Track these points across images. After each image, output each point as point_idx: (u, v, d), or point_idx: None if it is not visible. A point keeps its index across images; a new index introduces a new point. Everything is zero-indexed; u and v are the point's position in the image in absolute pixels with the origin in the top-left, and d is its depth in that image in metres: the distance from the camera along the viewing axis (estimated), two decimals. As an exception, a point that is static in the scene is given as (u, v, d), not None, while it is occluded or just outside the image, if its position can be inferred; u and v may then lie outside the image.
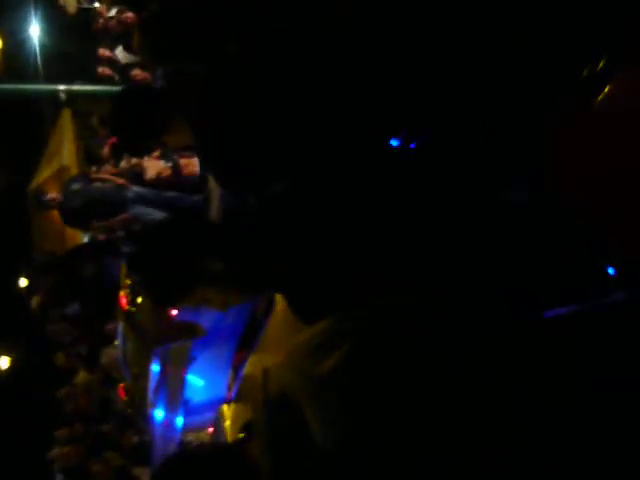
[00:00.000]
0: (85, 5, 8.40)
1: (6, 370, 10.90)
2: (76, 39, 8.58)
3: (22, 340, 9.75)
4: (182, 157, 3.98)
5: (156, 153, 4.20)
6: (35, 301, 6.14)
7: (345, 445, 1.47)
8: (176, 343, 3.43)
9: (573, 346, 1.51)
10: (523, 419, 1.41)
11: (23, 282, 9.20)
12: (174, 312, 3.35)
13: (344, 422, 1.49)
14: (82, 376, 6.48)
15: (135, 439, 5.51)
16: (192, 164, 3.57)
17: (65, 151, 7.99)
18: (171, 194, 5.59)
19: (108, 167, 5.86)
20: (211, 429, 4.08)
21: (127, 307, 3.70)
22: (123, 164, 5.15)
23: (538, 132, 1.81)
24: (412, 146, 2.10)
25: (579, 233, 1.76)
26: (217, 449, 1.95)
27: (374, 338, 1.59)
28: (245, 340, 3.56)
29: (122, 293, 3.72)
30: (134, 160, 4.99)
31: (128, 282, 3.65)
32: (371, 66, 1.94)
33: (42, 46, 9.55)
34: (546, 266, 1.79)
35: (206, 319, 3.41)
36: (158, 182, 4.65)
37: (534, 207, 1.85)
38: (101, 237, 5.93)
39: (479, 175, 1.92)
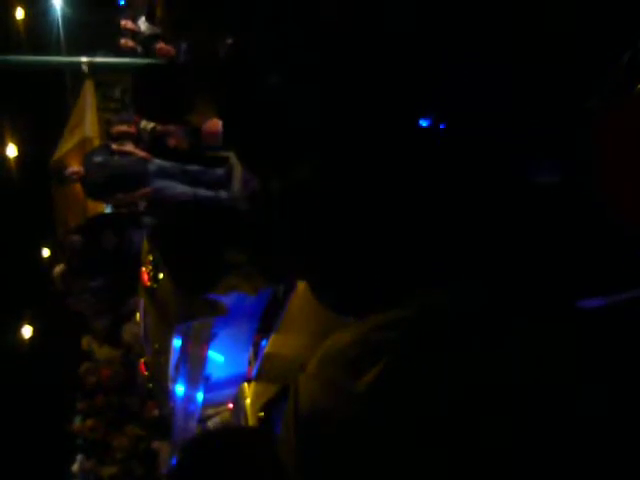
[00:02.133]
0: (108, -25, 8.34)
1: (29, 339, 11.02)
2: (99, 9, 8.53)
3: (44, 311, 9.84)
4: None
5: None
6: (56, 273, 6.16)
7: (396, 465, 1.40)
8: (197, 320, 3.42)
9: (610, 338, 1.45)
10: (594, 415, 1.35)
11: (46, 253, 9.26)
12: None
13: (387, 448, 1.42)
14: (104, 350, 6.52)
15: (155, 412, 5.55)
16: (214, 124, 3.50)
17: (88, 122, 7.97)
18: (193, 168, 5.57)
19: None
20: (231, 405, 4.09)
21: (149, 283, 3.69)
22: (143, 125, 5.12)
23: (574, 115, 1.75)
24: (442, 127, 2.04)
25: (611, 221, 1.71)
26: (241, 435, 1.92)
27: (416, 347, 1.51)
28: (266, 319, 3.55)
29: (144, 269, 3.71)
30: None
31: (150, 258, 3.64)
32: (402, 44, 1.89)
33: (64, 16, 9.51)
34: (578, 255, 1.74)
35: (228, 298, 3.40)
36: (180, 148, 4.63)
37: (566, 192, 1.80)
38: (123, 210, 5.93)
39: (510, 158, 1.86)
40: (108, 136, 5.97)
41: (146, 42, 6.38)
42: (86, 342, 6.92)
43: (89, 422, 7.18)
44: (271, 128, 2.14)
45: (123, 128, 5.65)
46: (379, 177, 1.90)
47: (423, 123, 2.04)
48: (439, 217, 1.83)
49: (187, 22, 2.71)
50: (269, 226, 2.33)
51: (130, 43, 6.60)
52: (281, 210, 2.12)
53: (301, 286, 3.07)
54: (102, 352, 6.52)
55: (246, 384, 3.62)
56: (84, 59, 7.37)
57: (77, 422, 7.48)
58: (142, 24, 6.68)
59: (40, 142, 8.89)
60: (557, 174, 1.83)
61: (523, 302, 1.59)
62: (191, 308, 3.32)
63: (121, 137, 5.55)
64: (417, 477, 1.41)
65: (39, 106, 10.16)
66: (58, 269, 6.16)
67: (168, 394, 4.09)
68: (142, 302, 4.01)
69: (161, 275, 3.65)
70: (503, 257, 1.75)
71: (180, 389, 4.02)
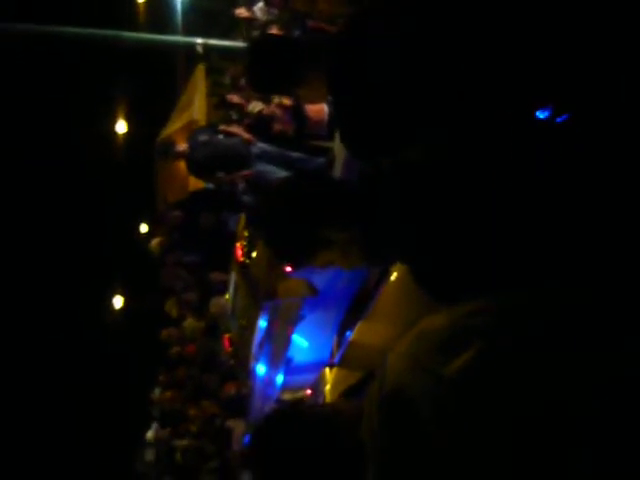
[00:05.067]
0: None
1: (119, 309, 11.39)
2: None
3: (137, 283, 10.13)
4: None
5: (285, 101, 4.17)
6: (154, 243, 6.32)
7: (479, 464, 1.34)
8: (286, 300, 3.42)
9: None
10: None
11: (144, 228, 9.53)
12: (288, 269, 3.33)
13: (476, 430, 1.37)
14: (190, 322, 6.64)
15: (233, 391, 5.61)
16: (320, 110, 3.48)
17: (196, 106, 8.13)
18: (295, 155, 5.59)
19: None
20: (309, 391, 4.08)
21: (242, 259, 3.72)
22: (251, 107, 5.18)
23: None
24: (559, 120, 1.95)
25: None
26: (321, 412, 1.90)
27: (514, 337, 1.44)
28: (355, 306, 3.51)
29: (238, 245, 3.74)
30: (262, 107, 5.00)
31: (245, 234, 3.67)
32: (524, 25, 1.81)
33: (184, 2, 9.73)
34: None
35: (319, 280, 3.38)
36: (283, 135, 4.65)
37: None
38: (223, 190, 6.02)
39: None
40: (220, 103, 6.04)
41: (262, 28, 6.44)
42: (170, 305, 7.04)
43: (168, 393, 7.34)
44: (384, 105, 2.09)
45: (236, 99, 5.72)
46: (492, 165, 1.84)
47: (540, 114, 1.96)
48: (554, 209, 1.75)
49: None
50: (375, 206, 2.29)
51: (245, 13, 6.65)
52: (391, 190, 2.08)
53: (394, 276, 3.02)
54: (189, 324, 6.65)
55: (328, 370, 3.60)
56: (199, 40, 7.53)
57: (157, 393, 7.65)
58: (258, 10, 6.76)
59: (148, 121, 9.15)
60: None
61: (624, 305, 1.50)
62: (281, 286, 3.32)
63: (232, 107, 5.61)
64: (497, 473, 1.35)
65: (150, 86, 10.47)
66: (155, 242, 6.31)
67: (249, 372, 4.12)
68: (233, 277, 4.05)
69: (255, 252, 3.68)
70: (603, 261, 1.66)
71: (261, 369, 4.04)
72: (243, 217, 3.74)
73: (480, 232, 1.85)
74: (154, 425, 8.16)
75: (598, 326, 1.43)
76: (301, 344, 3.94)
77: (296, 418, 1.67)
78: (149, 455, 8.95)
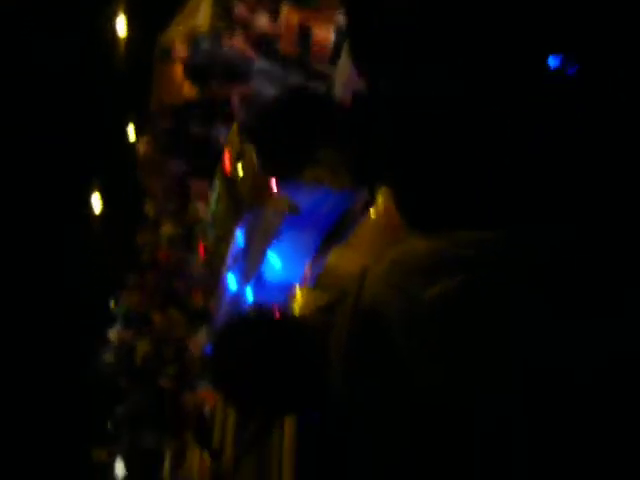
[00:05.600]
0: None
1: (97, 209, 11.29)
2: None
3: (116, 185, 10.05)
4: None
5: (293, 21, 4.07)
6: (141, 147, 6.25)
7: (445, 385, 1.36)
8: (267, 215, 3.41)
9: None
10: None
11: (131, 131, 9.40)
12: (274, 184, 3.31)
13: (445, 360, 1.38)
14: (167, 228, 6.63)
15: (201, 302, 5.64)
16: (327, 38, 3.40)
17: (201, 13, 7.92)
18: (297, 78, 5.51)
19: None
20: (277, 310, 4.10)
21: (228, 169, 3.69)
22: (256, 22, 5.06)
23: None
24: (571, 71, 1.92)
25: None
26: (288, 318, 1.91)
27: (498, 275, 1.44)
28: (334, 233, 3.51)
29: (226, 153, 3.70)
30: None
31: (235, 144, 3.63)
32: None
33: None
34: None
35: (304, 200, 3.36)
36: (286, 56, 4.57)
37: None
38: (218, 100, 5.92)
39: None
40: (226, 13, 5.90)
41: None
42: (148, 208, 7.02)
43: (135, 296, 7.38)
44: (393, 28, 2.05)
45: (242, 10, 5.58)
46: (496, 101, 1.82)
47: (552, 62, 1.92)
48: (556, 150, 1.74)
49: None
50: (369, 129, 2.27)
51: None
52: (387, 116, 2.05)
53: (380, 207, 3.02)
54: (165, 229, 6.63)
55: (298, 290, 3.61)
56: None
57: (124, 293, 7.69)
58: None
59: (149, 24, 8.93)
60: None
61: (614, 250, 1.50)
62: (264, 200, 3.30)
63: (237, 19, 5.49)
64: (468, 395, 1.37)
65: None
66: (143, 143, 6.24)
67: (219, 283, 4.13)
68: (216, 186, 4.02)
69: (242, 164, 3.64)
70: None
71: (232, 280, 4.05)
72: (235, 126, 3.69)
73: (471, 166, 1.83)
74: (117, 325, 8.23)
75: (581, 267, 1.43)
76: (275, 263, 3.95)
77: (263, 320, 1.68)
78: (109, 356, 9.04)
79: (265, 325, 1.63)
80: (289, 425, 2.64)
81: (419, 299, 1.51)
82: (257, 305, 3.37)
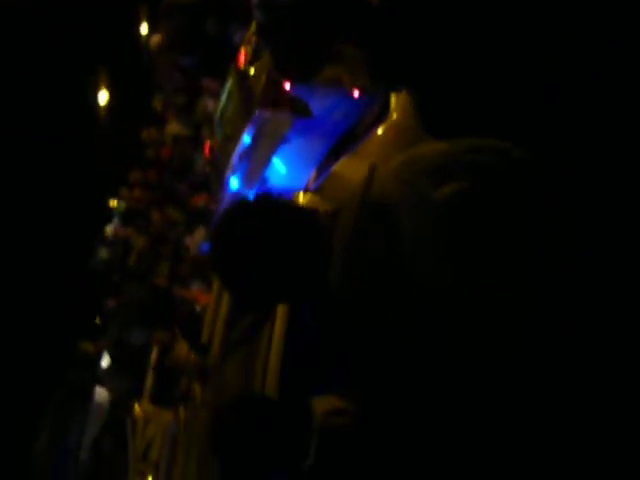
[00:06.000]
0: None
1: (104, 106, 11.14)
2: None
3: (123, 76, 9.86)
4: None
5: None
6: (153, 41, 6.11)
7: (452, 281, 1.34)
8: (277, 115, 3.34)
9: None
10: None
11: (143, 24, 9.17)
12: (288, 85, 3.23)
13: (450, 260, 1.36)
14: (173, 127, 6.54)
15: (201, 203, 5.61)
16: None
17: None
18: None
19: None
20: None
21: (243, 66, 3.60)
22: None
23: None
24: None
25: None
26: (293, 203, 1.88)
27: (510, 180, 1.42)
28: (344, 140, 3.45)
29: (242, 49, 3.61)
30: None
31: (252, 41, 3.53)
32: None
33: None
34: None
35: (317, 105, 3.29)
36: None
37: None
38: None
39: None
40: None
41: None
42: (157, 102, 6.92)
43: (137, 192, 7.34)
44: None
45: None
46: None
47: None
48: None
49: None
50: (395, 28, 2.19)
51: None
52: (416, 10, 1.99)
53: (393, 119, 2.95)
54: (171, 127, 6.54)
55: (302, 194, 3.58)
56: None
57: (124, 190, 7.65)
58: None
59: None
60: None
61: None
62: (277, 100, 3.24)
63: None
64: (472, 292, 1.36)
65: None
66: (156, 38, 6.10)
67: (222, 183, 4.09)
68: (229, 83, 3.93)
69: (257, 63, 3.55)
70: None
71: (235, 182, 4.01)
72: (254, 22, 3.58)
73: (494, 75, 1.79)
74: (115, 221, 8.21)
75: (588, 186, 1.41)
76: (279, 169, 3.90)
77: (272, 202, 1.64)
78: (104, 252, 9.06)
79: (274, 207, 1.60)
80: (279, 323, 2.65)
81: (429, 197, 1.48)
82: (265, 192, 3.33)
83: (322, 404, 1.72)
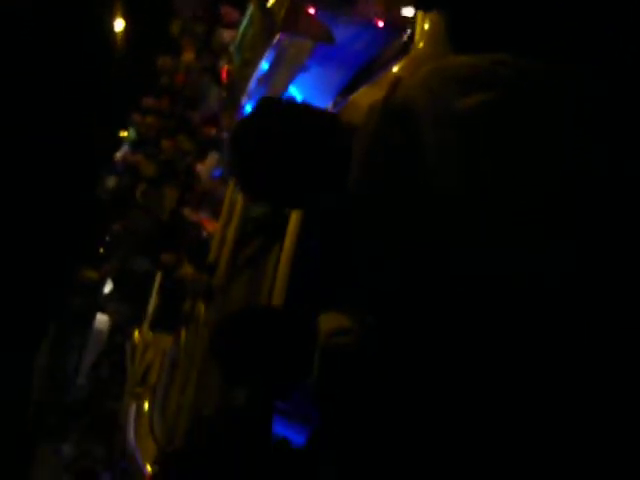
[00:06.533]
0: None
1: (120, 33, 10.99)
2: None
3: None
4: None
5: None
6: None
7: (475, 194, 1.33)
8: (298, 39, 3.31)
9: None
10: None
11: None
12: (312, 10, 3.20)
13: (471, 170, 1.35)
14: (188, 55, 6.46)
15: (213, 132, 5.58)
16: None
17: None
18: None
19: None
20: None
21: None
22: None
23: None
24: None
25: None
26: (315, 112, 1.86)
27: (532, 94, 1.40)
28: (364, 71, 3.42)
29: None
30: None
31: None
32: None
33: None
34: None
35: (340, 33, 3.25)
36: None
37: None
38: None
39: None
40: None
41: None
42: (175, 27, 6.84)
43: (149, 119, 7.29)
44: None
45: None
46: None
47: None
48: None
49: None
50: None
51: None
52: None
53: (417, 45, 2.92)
54: (187, 56, 6.47)
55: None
56: None
57: (137, 117, 7.59)
58: None
59: None
60: None
61: None
62: (299, 23, 3.20)
63: None
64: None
65: None
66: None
67: (238, 108, 4.07)
68: (250, 9, 3.88)
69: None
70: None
71: (250, 109, 3.99)
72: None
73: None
74: (125, 147, 8.18)
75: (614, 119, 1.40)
76: (296, 97, 3.87)
77: (290, 105, 1.64)
78: (111, 181, 9.05)
79: (294, 109, 1.60)
80: (288, 244, 2.67)
81: (454, 107, 1.47)
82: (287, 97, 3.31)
83: (328, 322, 1.72)
